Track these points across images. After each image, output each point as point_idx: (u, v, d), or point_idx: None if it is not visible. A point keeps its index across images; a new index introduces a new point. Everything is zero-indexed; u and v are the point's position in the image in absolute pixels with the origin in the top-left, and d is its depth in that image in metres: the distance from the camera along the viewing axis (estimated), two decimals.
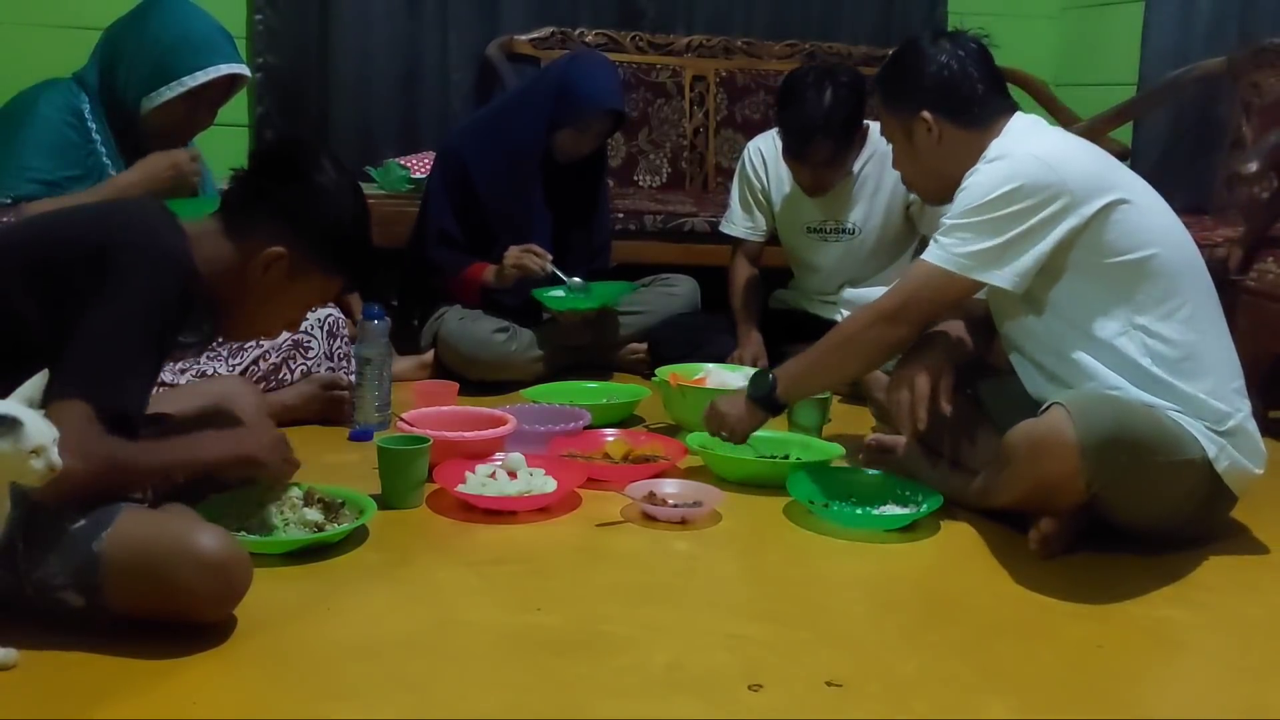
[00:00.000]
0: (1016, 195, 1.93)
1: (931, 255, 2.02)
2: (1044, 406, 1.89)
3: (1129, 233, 1.94)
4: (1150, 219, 1.99)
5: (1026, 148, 1.99)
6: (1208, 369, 1.95)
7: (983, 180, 1.98)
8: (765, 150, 3.21)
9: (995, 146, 2.03)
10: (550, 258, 3.02)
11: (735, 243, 3.31)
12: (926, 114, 2.08)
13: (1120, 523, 1.96)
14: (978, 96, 2.08)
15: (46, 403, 1.42)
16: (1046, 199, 1.92)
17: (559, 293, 3.06)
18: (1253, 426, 1.98)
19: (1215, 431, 1.92)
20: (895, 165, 2.22)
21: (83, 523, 1.49)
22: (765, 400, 2.21)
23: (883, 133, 2.22)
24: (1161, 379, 1.92)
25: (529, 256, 3.00)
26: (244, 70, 2.44)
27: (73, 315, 1.54)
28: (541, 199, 3.12)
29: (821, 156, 2.96)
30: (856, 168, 3.11)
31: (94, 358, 1.53)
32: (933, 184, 2.17)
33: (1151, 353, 1.94)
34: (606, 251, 3.36)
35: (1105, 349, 1.96)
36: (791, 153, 3.01)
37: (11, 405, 1.37)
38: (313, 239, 1.73)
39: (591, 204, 3.28)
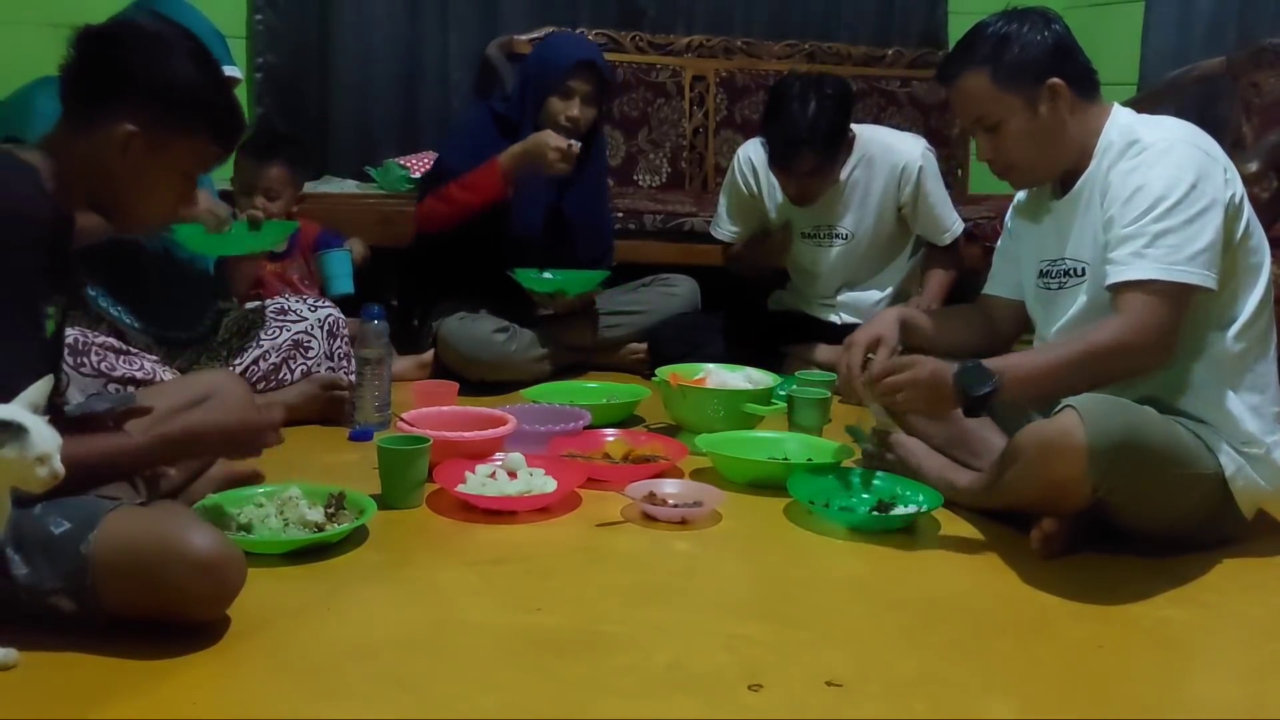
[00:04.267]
0: (1200, 189, 1.86)
1: (1146, 272, 1.86)
2: (1056, 409, 1.88)
3: (1250, 227, 1.93)
4: (1252, 211, 1.97)
5: (1174, 134, 1.92)
6: (1259, 386, 1.96)
7: (1163, 175, 1.87)
8: (755, 158, 3.21)
9: (1136, 132, 1.94)
10: (577, 148, 2.94)
11: (725, 244, 3.34)
12: (1057, 80, 1.96)
13: (1126, 527, 1.96)
14: (1091, 64, 2.01)
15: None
16: (1217, 187, 1.87)
17: (536, 274, 3.05)
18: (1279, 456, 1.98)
19: (1238, 450, 1.93)
20: (1001, 151, 2.03)
21: (68, 526, 1.48)
22: (981, 399, 1.90)
23: (987, 119, 2.02)
24: (1212, 389, 1.92)
25: (556, 148, 2.89)
26: (236, 73, 2.45)
27: None
28: (543, 190, 3.09)
29: (806, 167, 2.97)
30: (845, 174, 3.12)
31: None
32: (1047, 163, 2.04)
33: (1218, 360, 1.93)
34: (609, 255, 3.33)
35: (1185, 354, 1.94)
36: (777, 164, 3.03)
37: (17, 411, 1.36)
38: (158, 105, 1.59)
39: (591, 189, 3.23)
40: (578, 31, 4.08)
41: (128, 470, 1.63)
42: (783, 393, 2.62)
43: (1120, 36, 4.14)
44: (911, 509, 2.11)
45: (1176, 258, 1.85)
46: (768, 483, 2.27)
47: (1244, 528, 2.04)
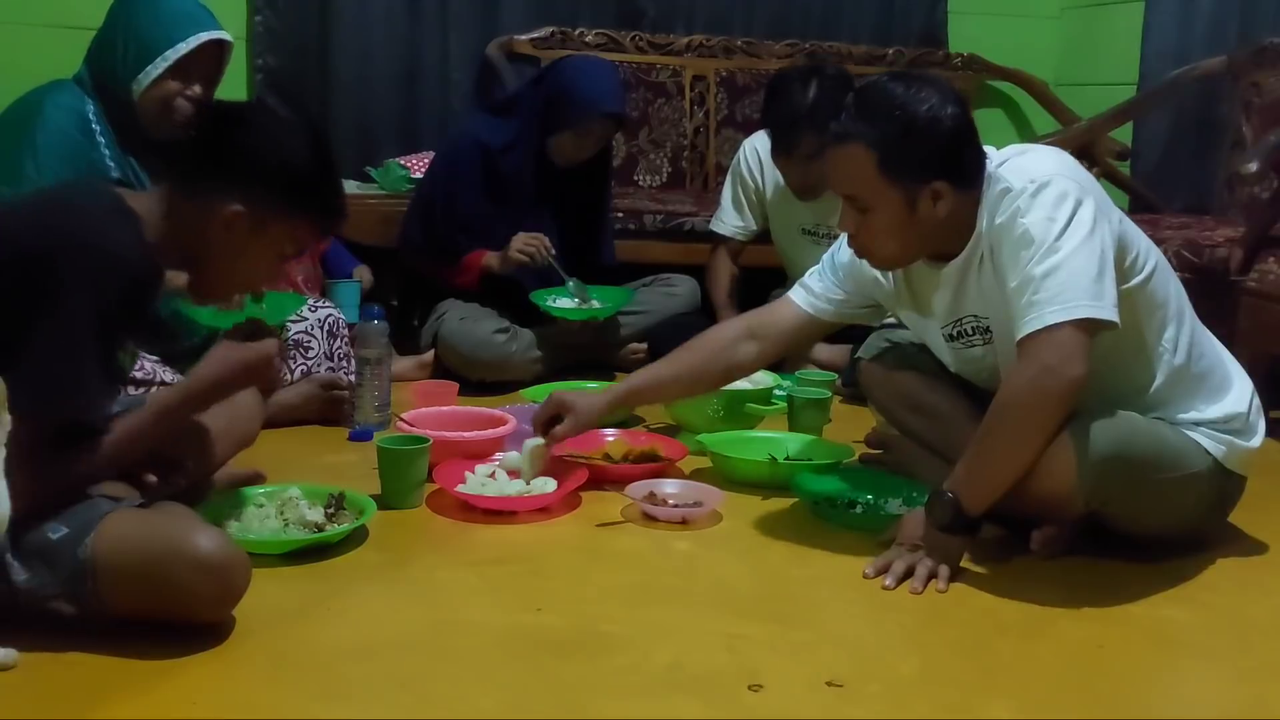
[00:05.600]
0: (1077, 218, 1.77)
1: (1054, 317, 1.74)
2: None
3: (1130, 245, 1.89)
4: (1134, 229, 1.94)
5: (1039, 169, 1.83)
6: (1213, 377, 1.95)
7: (1035, 218, 1.78)
8: (761, 150, 3.21)
9: (1004, 179, 1.84)
10: (554, 251, 3.01)
11: (719, 240, 3.33)
12: (941, 184, 1.84)
13: (1122, 532, 1.96)
14: (980, 154, 1.89)
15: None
16: (1095, 218, 1.79)
17: (560, 300, 3.07)
18: (1259, 422, 1.98)
19: (1222, 431, 1.93)
20: (863, 233, 1.90)
21: (65, 531, 1.48)
22: (957, 524, 1.82)
23: (859, 201, 1.88)
24: (1176, 402, 1.92)
25: (533, 243, 2.98)
26: (226, 36, 2.45)
27: (20, 318, 1.49)
28: (537, 203, 3.11)
29: (808, 150, 2.94)
30: None
31: (42, 374, 1.48)
32: (906, 255, 1.94)
33: (1170, 380, 1.92)
34: (611, 253, 3.36)
35: (1131, 374, 1.92)
36: (779, 148, 3.01)
37: None
38: (268, 188, 1.65)
39: (594, 210, 3.26)
40: (576, 31, 4.09)
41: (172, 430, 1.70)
42: (782, 393, 2.61)
43: (1121, 36, 4.14)
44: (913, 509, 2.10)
45: (1070, 295, 1.75)
46: (768, 483, 2.27)
47: (1239, 527, 2.04)
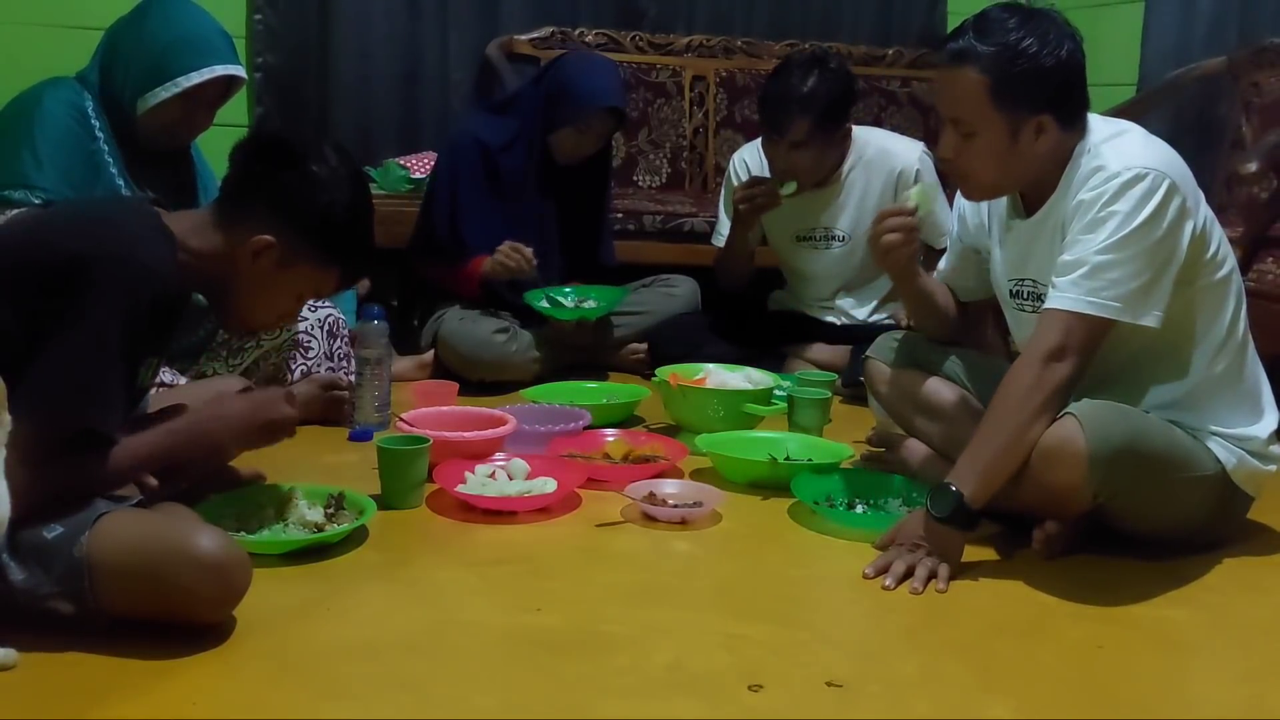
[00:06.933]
0: (1155, 223, 1.80)
1: (1073, 303, 1.82)
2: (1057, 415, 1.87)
3: (1214, 244, 1.91)
4: (1219, 228, 1.94)
5: (1139, 161, 1.83)
6: (1245, 393, 1.96)
7: (1120, 210, 1.81)
8: (750, 161, 3.21)
9: (1102, 156, 1.86)
10: (535, 263, 3.01)
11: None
12: (1047, 117, 1.86)
13: (1127, 530, 1.96)
14: (1086, 97, 1.91)
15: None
16: (1177, 221, 1.81)
17: (552, 297, 3.07)
18: (1278, 449, 1.98)
19: (1236, 445, 1.93)
20: (962, 158, 1.93)
21: (60, 530, 1.48)
22: (959, 516, 1.83)
23: (964, 125, 1.89)
24: (1199, 410, 1.92)
25: (514, 256, 2.99)
26: (240, 72, 2.42)
27: (47, 324, 1.51)
28: (538, 202, 3.11)
29: (798, 134, 2.94)
30: (845, 171, 3.11)
31: (62, 378, 1.50)
32: (1003, 185, 1.98)
33: (1199, 385, 1.92)
34: (611, 252, 3.36)
35: (1168, 374, 1.93)
36: (768, 128, 3.00)
37: None
38: (303, 228, 1.70)
39: (594, 210, 3.26)
40: (576, 31, 4.09)
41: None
42: (782, 393, 2.61)
43: (1120, 36, 4.14)
44: (914, 509, 2.10)
45: (1107, 293, 1.80)
46: (768, 483, 2.27)
47: (1243, 528, 2.04)
